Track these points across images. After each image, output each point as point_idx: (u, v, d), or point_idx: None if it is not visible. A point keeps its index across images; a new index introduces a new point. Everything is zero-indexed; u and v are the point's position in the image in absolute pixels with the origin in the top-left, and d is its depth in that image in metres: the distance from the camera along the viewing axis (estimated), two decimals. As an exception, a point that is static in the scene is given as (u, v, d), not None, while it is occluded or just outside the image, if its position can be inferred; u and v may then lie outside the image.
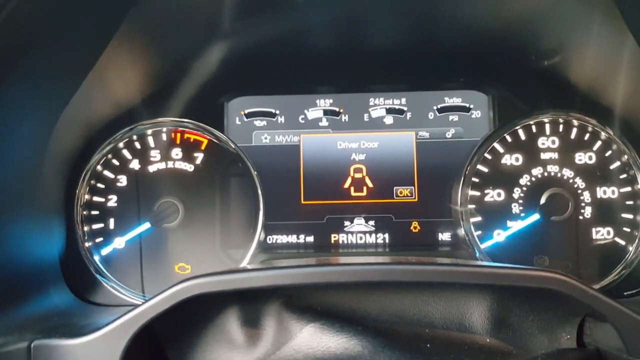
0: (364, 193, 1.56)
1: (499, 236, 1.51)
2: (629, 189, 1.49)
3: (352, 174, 1.57)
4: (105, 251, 1.51)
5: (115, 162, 1.53)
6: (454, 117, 1.57)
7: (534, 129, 1.52)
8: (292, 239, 1.55)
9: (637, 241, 1.47)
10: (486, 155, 1.52)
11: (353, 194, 1.56)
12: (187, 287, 0.95)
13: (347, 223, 1.55)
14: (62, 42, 1.14)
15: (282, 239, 1.55)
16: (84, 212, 1.51)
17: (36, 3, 1.00)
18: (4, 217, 1.19)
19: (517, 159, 1.52)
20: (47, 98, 1.24)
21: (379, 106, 1.58)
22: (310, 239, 1.55)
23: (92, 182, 1.51)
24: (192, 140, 1.54)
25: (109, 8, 1.13)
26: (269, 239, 1.55)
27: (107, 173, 1.52)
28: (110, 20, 1.16)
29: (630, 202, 1.49)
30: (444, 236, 1.54)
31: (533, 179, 1.51)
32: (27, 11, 0.99)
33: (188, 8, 1.24)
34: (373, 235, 1.55)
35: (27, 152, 1.25)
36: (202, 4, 1.24)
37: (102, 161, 1.52)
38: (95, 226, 1.51)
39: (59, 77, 1.23)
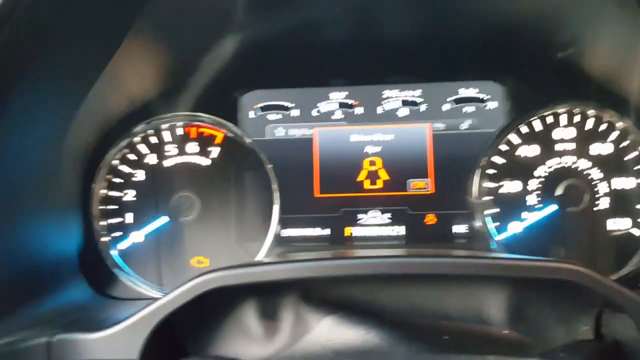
0: (379, 186, 1.56)
1: (515, 228, 1.50)
2: None
3: (366, 166, 1.56)
4: (122, 245, 1.53)
5: (132, 156, 1.54)
6: (469, 109, 1.56)
7: (549, 120, 1.51)
8: (308, 232, 1.56)
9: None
10: (502, 146, 1.52)
11: (368, 186, 1.56)
12: (207, 280, 0.96)
13: (361, 216, 1.55)
14: (78, 39, 1.15)
15: (298, 232, 1.56)
16: (101, 207, 1.52)
17: (49, 1, 1.00)
18: (22, 213, 1.20)
19: (532, 151, 1.51)
20: (63, 94, 1.25)
21: (393, 98, 1.57)
22: (326, 231, 1.56)
23: (109, 176, 1.53)
24: (206, 134, 1.55)
25: (124, 4, 1.13)
26: (284, 232, 1.55)
27: (123, 167, 1.54)
28: (125, 16, 1.17)
29: None
30: (460, 228, 1.54)
31: (549, 170, 1.50)
32: (44, 8, 1.00)
33: (202, 2, 1.24)
34: (388, 227, 1.55)
35: (45, 148, 1.27)
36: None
37: (118, 156, 1.53)
38: (112, 220, 1.52)
39: (76, 74, 1.24)
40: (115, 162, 1.53)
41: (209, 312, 1.06)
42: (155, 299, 0.96)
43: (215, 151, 1.55)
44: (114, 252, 1.52)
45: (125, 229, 1.53)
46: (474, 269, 1.00)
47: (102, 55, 1.25)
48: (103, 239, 1.52)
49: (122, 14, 1.16)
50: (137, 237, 1.53)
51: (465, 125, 1.56)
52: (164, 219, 1.52)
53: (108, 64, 1.27)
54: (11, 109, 1.06)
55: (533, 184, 1.50)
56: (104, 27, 1.18)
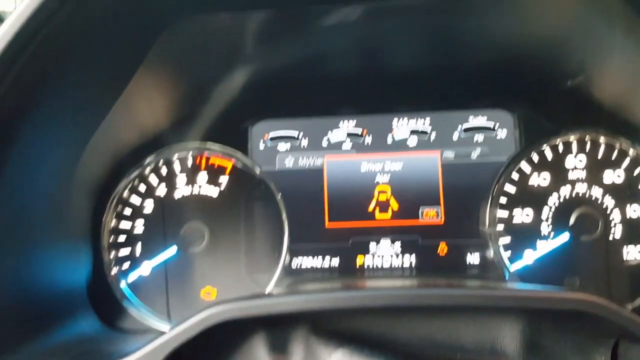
0: (389, 215, 1.55)
1: (529, 257, 1.49)
2: None
3: (376, 195, 1.56)
4: (131, 277, 1.52)
5: (142, 187, 1.54)
6: (479, 137, 1.56)
7: (561, 148, 1.51)
8: (318, 262, 1.54)
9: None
10: (513, 175, 1.51)
11: (378, 216, 1.55)
12: (215, 313, 0.95)
13: (372, 245, 1.54)
14: (91, 71, 1.17)
15: (308, 262, 1.54)
16: (111, 238, 1.52)
17: (66, 32, 1.02)
18: (32, 245, 1.21)
19: (544, 179, 1.50)
20: (75, 126, 1.26)
21: (402, 127, 1.57)
22: (336, 262, 1.55)
23: (119, 208, 1.53)
24: (216, 165, 1.55)
25: (137, 37, 1.14)
26: (294, 262, 1.54)
27: (133, 199, 1.54)
28: (138, 49, 1.18)
29: None
30: (473, 258, 1.52)
31: (561, 198, 1.49)
32: (59, 40, 1.01)
33: (213, 36, 1.25)
34: (399, 257, 1.54)
35: (55, 179, 1.27)
36: (226, 33, 1.26)
37: (128, 187, 1.54)
38: (122, 252, 1.52)
39: (87, 106, 1.25)
40: (126, 193, 1.53)
41: (217, 345, 1.05)
42: (164, 332, 0.96)
43: (224, 181, 1.55)
44: (122, 284, 1.51)
45: (135, 260, 1.52)
46: (489, 300, 0.99)
47: (114, 87, 1.27)
48: (112, 270, 1.51)
49: (135, 47, 1.17)
50: (146, 268, 1.52)
51: (475, 154, 1.56)
52: (173, 250, 1.51)
53: (120, 95, 1.27)
54: (22, 140, 1.08)
55: (546, 212, 1.49)
56: (117, 60, 1.20)
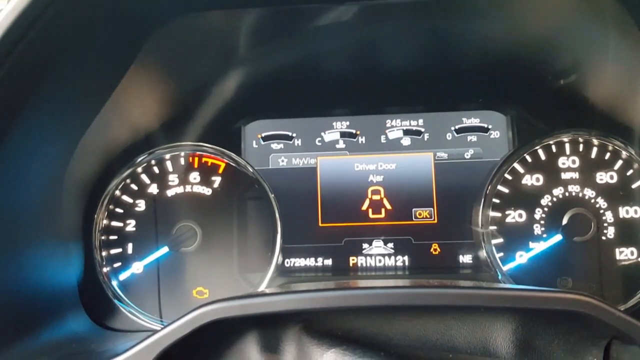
0: (382, 215, 1.56)
1: (521, 258, 1.49)
2: None
3: (370, 195, 1.56)
4: (123, 276, 1.52)
5: (134, 186, 1.54)
6: (472, 138, 1.57)
7: (554, 148, 1.52)
8: (310, 262, 1.55)
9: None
10: (506, 175, 1.52)
11: (371, 216, 1.56)
12: (207, 311, 0.95)
13: (365, 245, 1.55)
14: (81, 69, 1.16)
15: (300, 262, 1.55)
16: (102, 237, 1.52)
17: (56, 31, 1.01)
18: (23, 244, 1.20)
19: (537, 179, 1.51)
20: (65, 125, 1.26)
21: (396, 127, 1.58)
22: (329, 261, 1.55)
23: (111, 207, 1.53)
24: (209, 164, 1.56)
25: (128, 35, 1.14)
26: (287, 262, 1.55)
27: (125, 198, 1.54)
28: (129, 47, 1.18)
29: None
30: (465, 258, 1.53)
31: (554, 199, 1.50)
32: (48, 39, 1.01)
33: (205, 36, 1.25)
34: (392, 257, 1.54)
35: (46, 178, 1.27)
36: (219, 32, 1.26)
37: (120, 186, 1.53)
38: (113, 251, 1.52)
39: (78, 104, 1.25)
40: (117, 192, 1.53)
41: (209, 345, 1.05)
42: (155, 331, 0.95)
43: (217, 181, 1.55)
44: (114, 283, 1.51)
45: (126, 259, 1.52)
46: (482, 300, 0.99)
47: (105, 86, 1.27)
48: (104, 269, 1.51)
49: (126, 45, 1.17)
50: (137, 267, 1.52)
51: (468, 154, 1.57)
52: (164, 250, 1.51)
53: (112, 94, 1.27)
54: (12, 139, 1.07)
55: (538, 213, 1.50)
56: (108, 59, 1.20)
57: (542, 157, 1.51)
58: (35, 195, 1.24)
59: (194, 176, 1.55)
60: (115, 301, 1.49)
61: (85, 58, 1.14)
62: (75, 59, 1.11)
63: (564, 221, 1.48)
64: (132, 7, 1.08)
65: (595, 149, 1.51)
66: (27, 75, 1.03)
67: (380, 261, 1.54)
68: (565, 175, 1.50)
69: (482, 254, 1.51)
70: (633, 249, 1.47)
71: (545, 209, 1.49)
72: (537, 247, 1.49)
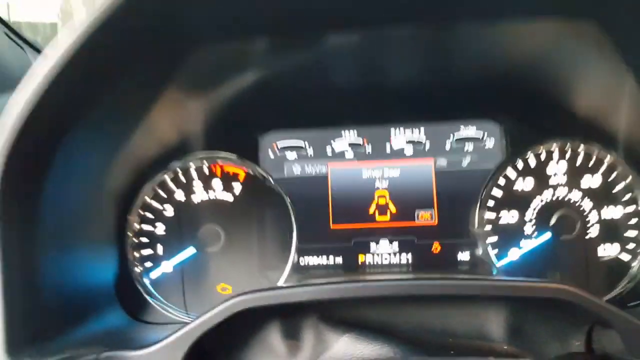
0: (388, 217, 1.68)
1: (514, 255, 1.62)
2: (632, 208, 1.60)
3: (376, 200, 1.69)
4: (154, 274, 1.65)
5: (162, 193, 1.67)
6: (469, 147, 1.68)
7: (543, 156, 1.64)
8: (323, 260, 1.68)
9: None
10: (500, 180, 1.64)
11: (378, 218, 1.68)
12: (238, 302, 1.09)
13: (372, 245, 1.68)
14: (120, 94, 1.28)
15: (314, 260, 1.68)
16: (135, 240, 1.65)
17: (107, 55, 1.13)
18: (69, 247, 1.33)
19: (528, 184, 1.63)
20: (105, 140, 1.39)
21: (399, 137, 1.70)
22: (339, 260, 1.68)
23: (142, 212, 1.66)
24: (231, 173, 1.69)
25: (166, 59, 1.27)
26: (302, 260, 1.68)
27: (155, 204, 1.67)
28: (164, 71, 1.31)
29: (634, 221, 1.60)
30: (463, 256, 1.66)
31: (543, 201, 1.62)
32: (93, 71, 1.13)
33: (234, 55, 1.36)
34: (397, 255, 1.67)
35: (87, 188, 1.40)
36: (241, 54, 1.37)
37: (150, 194, 1.67)
38: (144, 252, 1.65)
39: (116, 122, 1.38)
40: (147, 198, 1.66)
41: (236, 334, 1.18)
42: (189, 322, 1.08)
43: (238, 188, 1.68)
44: (146, 281, 1.65)
45: (156, 259, 1.65)
46: (478, 289, 1.12)
47: (141, 107, 1.39)
48: (137, 269, 1.64)
49: (162, 68, 1.29)
50: (167, 267, 1.66)
51: (465, 162, 1.68)
52: (191, 250, 1.65)
53: (147, 113, 1.41)
54: (65, 151, 1.19)
55: (529, 214, 1.62)
56: (144, 81, 1.32)
57: (533, 163, 1.64)
58: (79, 203, 1.37)
59: (217, 183, 1.68)
60: (148, 297, 1.63)
61: (124, 83, 1.27)
62: (117, 84, 1.24)
63: (553, 221, 1.61)
64: (169, 38, 1.21)
65: (581, 156, 1.63)
66: (76, 96, 1.15)
67: (386, 259, 1.67)
68: (553, 180, 1.63)
69: (479, 251, 1.64)
70: (615, 245, 1.60)
71: (536, 210, 1.62)
72: (528, 245, 1.61)
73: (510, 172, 1.64)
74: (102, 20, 1.00)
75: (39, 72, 1.03)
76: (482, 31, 1.35)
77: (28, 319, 1.12)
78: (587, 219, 1.61)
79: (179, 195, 1.68)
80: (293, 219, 1.66)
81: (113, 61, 1.16)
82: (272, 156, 1.71)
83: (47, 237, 1.22)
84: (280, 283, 1.64)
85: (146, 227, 1.66)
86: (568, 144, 1.63)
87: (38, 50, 2.08)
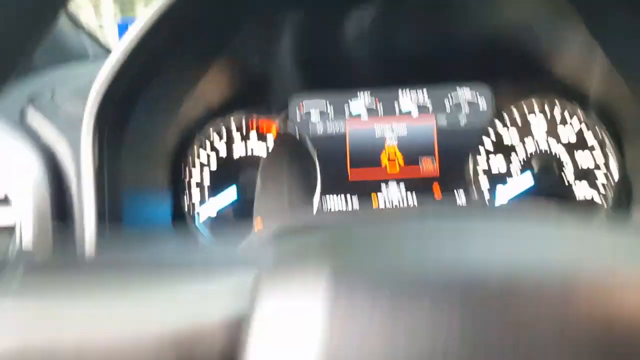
0: (397, 169, 1.95)
1: (504, 198, 1.88)
2: (601, 157, 1.87)
3: (387, 154, 1.95)
4: (202, 217, 1.94)
5: (208, 148, 1.96)
6: (465, 108, 1.94)
7: (526, 111, 1.89)
8: (342, 204, 1.96)
9: (610, 198, 1.86)
10: (491, 135, 1.91)
11: (389, 169, 1.95)
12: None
13: (384, 189, 1.95)
14: (180, 63, 1.60)
15: (335, 205, 1.96)
16: (186, 188, 1.95)
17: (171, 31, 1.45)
18: (138, 181, 1.65)
19: (514, 137, 1.90)
20: (163, 103, 1.68)
21: (406, 98, 1.96)
22: (356, 204, 1.96)
23: (192, 163, 1.95)
24: (265, 130, 1.97)
25: (222, 32, 1.57)
26: (324, 206, 1.95)
27: (202, 157, 1.95)
28: (217, 44, 1.62)
29: (604, 169, 1.87)
30: (461, 198, 1.94)
31: (527, 151, 1.89)
32: (162, 38, 1.45)
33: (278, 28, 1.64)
34: (405, 201, 1.95)
35: (151, 141, 1.73)
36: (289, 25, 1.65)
37: (199, 147, 1.96)
38: (194, 198, 1.95)
39: (173, 89, 1.67)
40: (197, 152, 1.95)
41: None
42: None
43: (271, 143, 1.96)
44: (195, 222, 1.94)
45: (205, 202, 1.95)
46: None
47: (195, 75, 1.69)
48: (188, 212, 1.95)
49: (218, 39, 1.58)
50: (214, 210, 1.95)
51: (462, 121, 1.94)
52: (232, 197, 1.94)
53: (199, 81, 1.70)
54: (131, 122, 1.53)
55: (515, 161, 1.89)
56: (199, 53, 1.62)
57: (517, 118, 1.90)
58: (144, 156, 1.68)
59: (253, 139, 1.96)
60: (198, 236, 1.93)
61: (184, 52, 1.59)
62: (176, 54, 1.57)
63: (535, 169, 1.87)
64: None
65: (557, 110, 1.87)
66: (150, 66, 1.48)
67: (395, 201, 1.96)
68: (534, 131, 1.88)
69: (474, 196, 1.91)
70: (589, 190, 1.87)
71: (520, 157, 1.88)
72: (516, 190, 1.87)
73: (499, 127, 1.91)
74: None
75: (126, 40, 1.36)
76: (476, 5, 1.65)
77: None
78: (564, 167, 1.87)
79: (222, 148, 1.96)
80: (318, 170, 1.94)
81: (180, 34, 1.48)
82: (298, 117, 1.99)
83: (127, 165, 1.55)
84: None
85: (195, 177, 1.95)
86: (547, 100, 1.89)
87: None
